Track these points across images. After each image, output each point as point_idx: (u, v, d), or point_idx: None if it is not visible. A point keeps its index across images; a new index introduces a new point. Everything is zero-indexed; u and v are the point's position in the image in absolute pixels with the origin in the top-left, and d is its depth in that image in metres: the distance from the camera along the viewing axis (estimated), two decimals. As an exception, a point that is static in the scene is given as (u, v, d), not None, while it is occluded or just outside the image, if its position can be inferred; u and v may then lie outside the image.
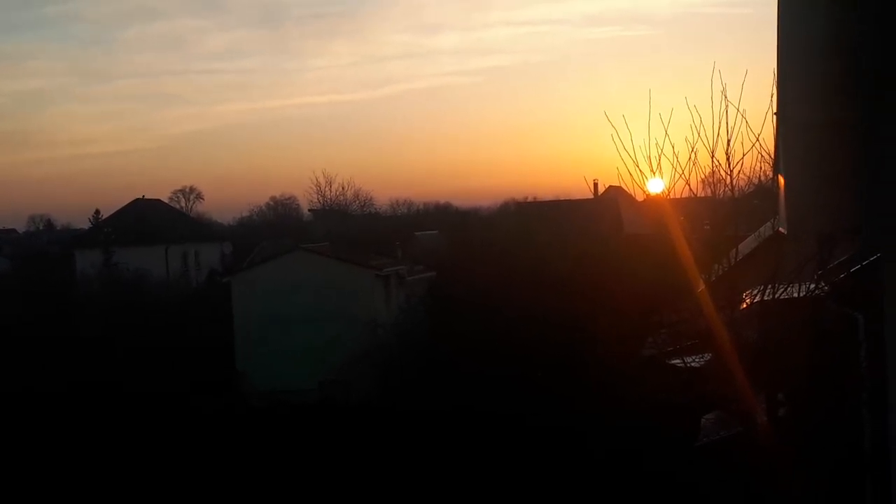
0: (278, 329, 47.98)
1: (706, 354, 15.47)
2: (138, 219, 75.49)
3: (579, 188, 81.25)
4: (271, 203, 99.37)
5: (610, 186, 54.32)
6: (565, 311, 30.27)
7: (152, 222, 74.63)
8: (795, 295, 13.42)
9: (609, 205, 55.30)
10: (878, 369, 8.42)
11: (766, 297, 13.71)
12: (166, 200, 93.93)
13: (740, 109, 13.98)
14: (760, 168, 14.48)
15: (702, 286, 14.86)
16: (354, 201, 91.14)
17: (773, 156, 12.05)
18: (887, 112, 3.98)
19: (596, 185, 53.31)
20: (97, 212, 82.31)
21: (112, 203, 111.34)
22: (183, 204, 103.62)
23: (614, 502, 24.65)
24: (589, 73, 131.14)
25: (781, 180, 4.67)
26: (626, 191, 18.91)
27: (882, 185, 4.21)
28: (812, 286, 13.06)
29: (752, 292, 14.16)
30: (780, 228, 5.12)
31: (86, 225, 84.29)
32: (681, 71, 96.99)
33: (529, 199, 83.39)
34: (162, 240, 70.31)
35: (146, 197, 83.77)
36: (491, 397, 30.40)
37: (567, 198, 66.16)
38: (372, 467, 31.24)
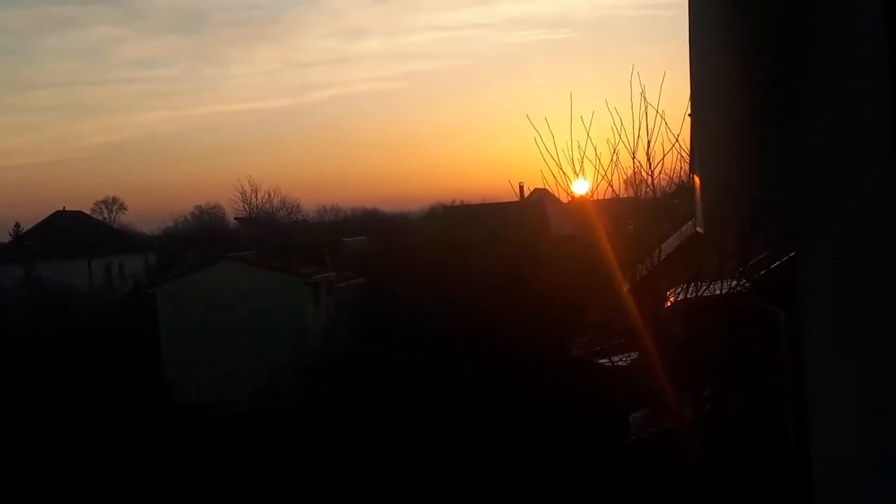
0: (206, 339, 47.35)
1: (633, 353, 15.67)
2: (60, 231, 74.07)
3: (506, 191, 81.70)
4: (196, 212, 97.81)
5: (535, 189, 54.56)
6: (495, 313, 30.42)
7: (74, 234, 73.29)
8: (717, 292, 13.66)
9: (535, 207, 55.54)
10: (798, 362, 8.59)
11: (688, 295, 13.94)
12: (88, 212, 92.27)
13: (660, 111, 14.24)
14: (680, 168, 14.76)
15: (627, 286, 15.05)
16: (281, 208, 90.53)
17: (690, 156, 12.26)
18: (796, 108, 4.06)
19: (522, 187, 53.50)
20: (17, 225, 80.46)
21: (33, 216, 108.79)
22: (106, 215, 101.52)
23: (547, 497, 24.81)
24: (513, 76, 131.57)
25: (697, 180, 4.74)
26: (551, 193, 19.06)
27: (793, 179, 4.31)
28: (733, 283, 13.31)
29: (675, 290, 14.38)
30: (698, 228, 5.20)
31: (6, 239, 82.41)
32: (603, 73, 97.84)
33: (457, 202, 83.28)
34: (85, 252, 69.04)
35: (67, 209, 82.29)
36: (422, 397, 30.47)
37: (494, 201, 66.34)
38: (305, 472, 31.14)
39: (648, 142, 14.42)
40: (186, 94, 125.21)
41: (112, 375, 40.52)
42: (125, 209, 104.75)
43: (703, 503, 14.12)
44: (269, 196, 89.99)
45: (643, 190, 15.05)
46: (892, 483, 3.31)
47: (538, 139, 14.95)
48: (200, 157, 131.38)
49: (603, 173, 14.78)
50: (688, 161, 13.57)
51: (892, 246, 2.98)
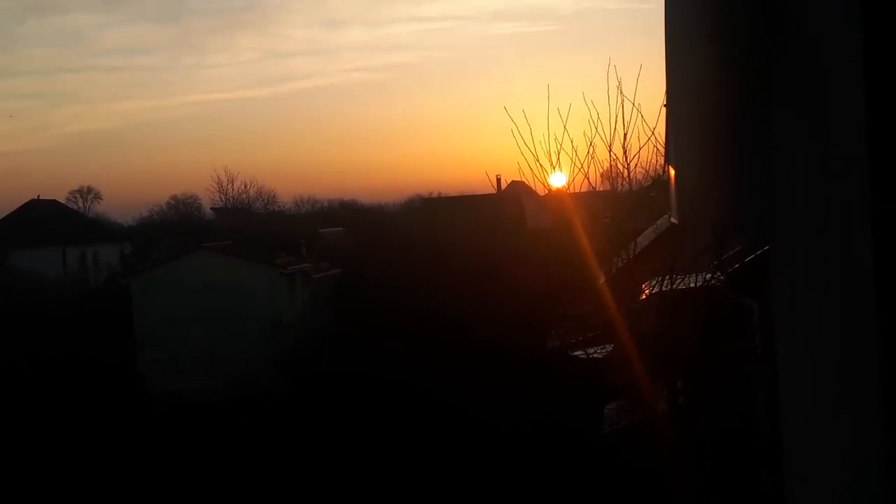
0: (181, 329, 47.16)
1: (608, 345, 15.74)
2: (34, 220, 73.53)
3: (483, 184, 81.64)
4: (172, 202, 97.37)
5: (513, 181, 54.61)
6: (471, 304, 30.48)
7: (49, 223, 72.75)
8: (692, 285, 13.73)
9: (512, 200, 55.59)
10: (771, 354, 8.63)
11: (664, 288, 13.99)
12: (63, 201, 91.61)
13: (636, 104, 14.29)
14: (657, 161, 14.81)
15: (603, 278, 15.10)
16: (258, 199, 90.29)
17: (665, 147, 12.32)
18: (770, 102, 4.07)
19: (499, 180, 53.56)
20: (-9, 213, 79.84)
21: (6, 204, 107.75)
22: (81, 204, 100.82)
23: (520, 491, 24.87)
24: (493, 68, 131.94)
25: (672, 171, 4.75)
26: (528, 186, 19.07)
27: (767, 172, 4.32)
28: (708, 276, 13.37)
29: (650, 283, 14.44)
30: (673, 219, 5.22)
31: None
32: (582, 66, 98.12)
33: (434, 194, 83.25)
34: (59, 241, 68.56)
35: (42, 197, 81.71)
36: (396, 386, 30.54)
37: (471, 193, 66.38)
38: (280, 456, 31.15)
39: (625, 135, 14.46)
40: (165, 82, 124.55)
41: (84, 364, 40.30)
42: (100, 198, 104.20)
43: (675, 496, 14.20)
44: (245, 186, 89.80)
45: (619, 183, 15.10)
46: (861, 478, 3.33)
47: (515, 132, 14.97)
48: (177, 146, 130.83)
49: (579, 166, 14.82)
50: (663, 154, 13.63)
51: (862, 240, 2.99)
